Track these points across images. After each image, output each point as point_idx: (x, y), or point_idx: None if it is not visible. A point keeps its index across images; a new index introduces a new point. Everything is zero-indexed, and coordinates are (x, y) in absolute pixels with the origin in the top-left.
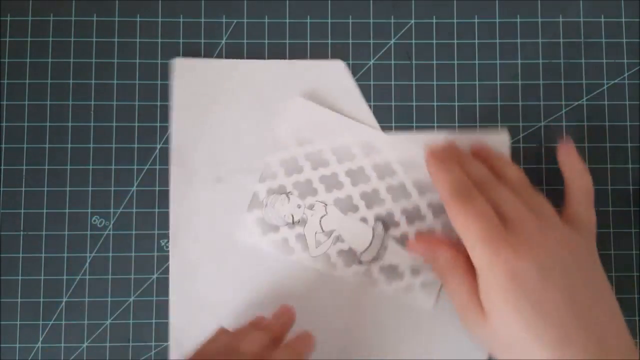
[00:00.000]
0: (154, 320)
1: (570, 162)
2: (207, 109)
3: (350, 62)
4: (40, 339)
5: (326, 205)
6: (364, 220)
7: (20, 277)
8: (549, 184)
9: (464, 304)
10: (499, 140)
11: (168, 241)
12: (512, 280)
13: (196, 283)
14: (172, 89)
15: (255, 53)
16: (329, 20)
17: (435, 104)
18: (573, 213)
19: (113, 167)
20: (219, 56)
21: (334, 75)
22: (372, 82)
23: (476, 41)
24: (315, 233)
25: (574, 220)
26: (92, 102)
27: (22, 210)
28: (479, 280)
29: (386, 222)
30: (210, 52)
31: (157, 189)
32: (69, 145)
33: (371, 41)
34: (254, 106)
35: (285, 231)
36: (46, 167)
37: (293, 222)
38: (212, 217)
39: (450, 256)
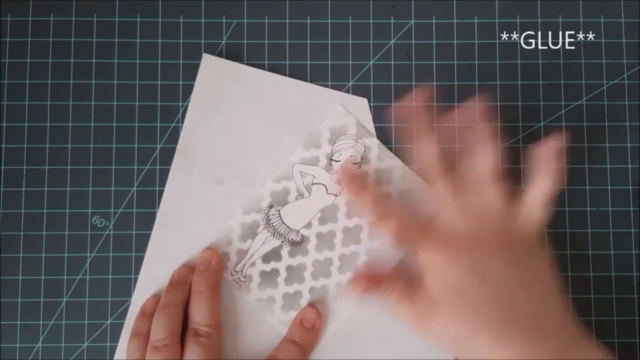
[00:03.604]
0: None
1: (546, 160)
2: (222, 110)
3: (350, 62)
4: (40, 339)
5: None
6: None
7: (20, 277)
8: None
9: (414, 310)
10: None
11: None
12: (451, 282)
13: (168, 274)
14: (196, 82)
15: (255, 53)
16: (329, 21)
17: (435, 104)
18: (525, 211)
19: (113, 167)
20: (219, 56)
21: (355, 110)
22: (372, 82)
23: (476, 41)
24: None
25: (525, 218)
26: (92, 102)
27: (22, 210)
28: (425, 283)
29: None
30: (210, 52)
31: (157, 189)
32: (69, 145)
33: (371, 41)
34: (268, 120)
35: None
36: (46, 167)
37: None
38: (204, 216)
39: (398, 287)
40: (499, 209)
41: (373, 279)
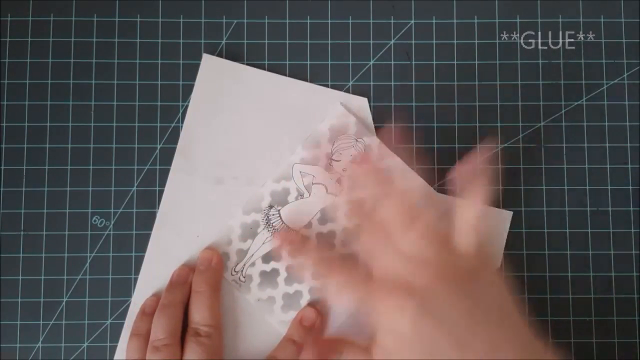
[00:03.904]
0: None
1: (468, 180)
2: (222, 110)
3: (350, 62)
4: (40, 339)
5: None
6: None
7: (20, 277)
8: (549, 183)
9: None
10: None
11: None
12: (402, 331)
13: (168, 274)
14: (196, 82)
15: (255, 53)
16: (329, 21)
17: (435, 104)
18: (458, 237)
19: (113, 167)
20: (219, 56)
21: (355, 110)
22: (372, 82)
23: (476, 41)
24: None
25: (459, 245)
26: (92, 102)
27: (22, 210)
28: (377, 337)
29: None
30: (210, 52)
31: (157, 189)
32: (69, 145)
33: (371, 41)
34: (268, 120)
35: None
36: (46, 167)
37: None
38: (204, 216)
39: (351, 348)
40: (431, 242)
41: (330, 342)
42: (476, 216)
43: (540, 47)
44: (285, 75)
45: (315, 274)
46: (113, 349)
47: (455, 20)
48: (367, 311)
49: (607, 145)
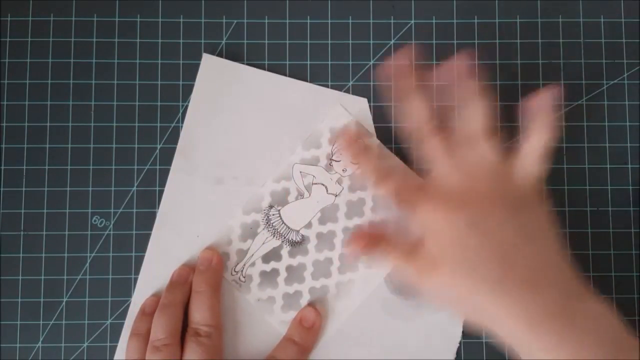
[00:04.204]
0: None
1: (540, 113)
2: (222, 110)
3: (350, 62)
4: (40, 339)
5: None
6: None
7: (20, 277)
8: (549, 183)
9: (414, 268)
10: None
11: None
12: (450, 239)
13: (168, 273)
14: (196, 82)
15: (255, 53)
16: (329, 21)
17: (434, 104)
18: (521, 165)
19: (113, 167)
20: (219, 56)
21: (355, 110)
22: (372, 82)
23: (476, 41)
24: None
25: (520, 172)
26: (92, 102)
27: (22, 210)
28: (424, 241)
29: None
30: (210, 52)
31: (157, 189)
32: (69, 145)
33: (371, 41)
34: (268, 120)
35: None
36: (46, 167)
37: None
38: (204, 216)
39: (397, 245)
40: (493, 164)
41: (372, 238)
42: (543, 146)
43: (540, 47)
44: (285, 75)
45: (372, 185)
46: (113, 349)
47: (455, 20)
48: (417, 217)
49: (607, 145)
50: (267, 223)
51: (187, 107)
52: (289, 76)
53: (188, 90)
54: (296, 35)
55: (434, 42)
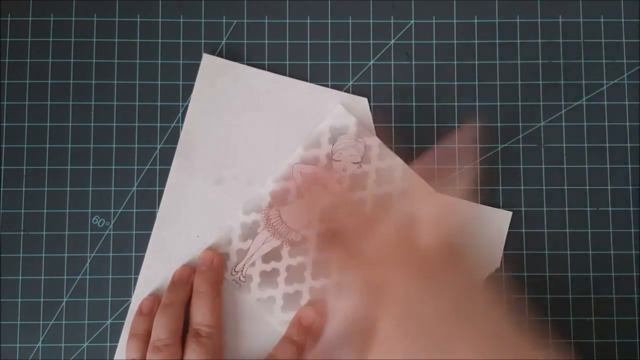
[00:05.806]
0: None
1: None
2: (222, 110)
3: (350, 62)
4: (40, 339)
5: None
6: None
7: (20, 277)
8: (549, 184)
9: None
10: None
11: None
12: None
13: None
14: (196, 82)
15: (255, 53)
16: (329, 21)
17: (435, 104)
18: (422, 231)
19: (113, 167)
20: (219, 56)
21: (355, 110)
22: (372, 82)
23: (476, 41)
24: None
25: (427, 236)
26: (92, 102)
27: (22, 210)
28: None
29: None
30: (210, 52)
31: (157, 189)
32: (69, 145)
33: (371, 41)
34: (268, 120)
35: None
36: (46, 167)
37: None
38: (204, 216)
39: None
40: (394, 244)
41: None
42: (435, 209)
43: (540, 46)
44: (285, 75)
45: (315, 274)
46: (113, 349)
47: (455, 20)
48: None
49: (607, 145)
50: (267, 223)
51: (187, 107)
52: (289, 76)
53: (188, 90)
54: (296, 35)
55: (434, 42)
